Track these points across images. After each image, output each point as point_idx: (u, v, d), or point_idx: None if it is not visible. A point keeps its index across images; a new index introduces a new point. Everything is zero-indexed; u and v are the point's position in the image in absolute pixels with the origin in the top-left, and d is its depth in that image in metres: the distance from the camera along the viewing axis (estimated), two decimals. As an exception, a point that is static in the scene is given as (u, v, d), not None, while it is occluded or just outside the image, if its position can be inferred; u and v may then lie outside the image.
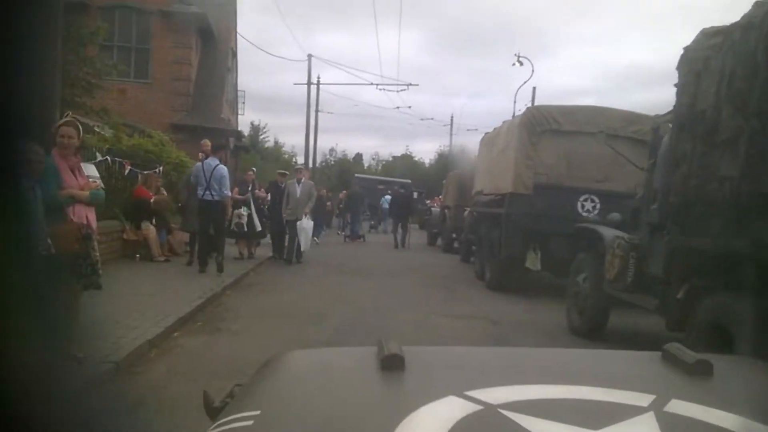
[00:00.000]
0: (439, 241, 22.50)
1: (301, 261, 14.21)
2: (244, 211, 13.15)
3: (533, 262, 10.37)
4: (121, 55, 25.19)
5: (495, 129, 13.42)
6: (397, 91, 31.49)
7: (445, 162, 50.89)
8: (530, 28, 69.81)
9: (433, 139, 77.21)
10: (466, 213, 15.58)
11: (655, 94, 57.00)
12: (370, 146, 72.28)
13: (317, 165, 52.61)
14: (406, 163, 55.60)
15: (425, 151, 72.47)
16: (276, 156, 56.92)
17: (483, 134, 14.66)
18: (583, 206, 10.33)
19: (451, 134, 48.02)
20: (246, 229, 13.18)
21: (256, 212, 13.50)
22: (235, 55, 33.17)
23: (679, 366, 1.35)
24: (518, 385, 1.22)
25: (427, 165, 56.39)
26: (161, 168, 13.65)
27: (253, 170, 16.82)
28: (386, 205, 29.10)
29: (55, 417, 1.54)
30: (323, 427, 1.08)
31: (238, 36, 33.32)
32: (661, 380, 1.32)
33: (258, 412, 1.12)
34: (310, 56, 31.44)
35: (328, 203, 26.31)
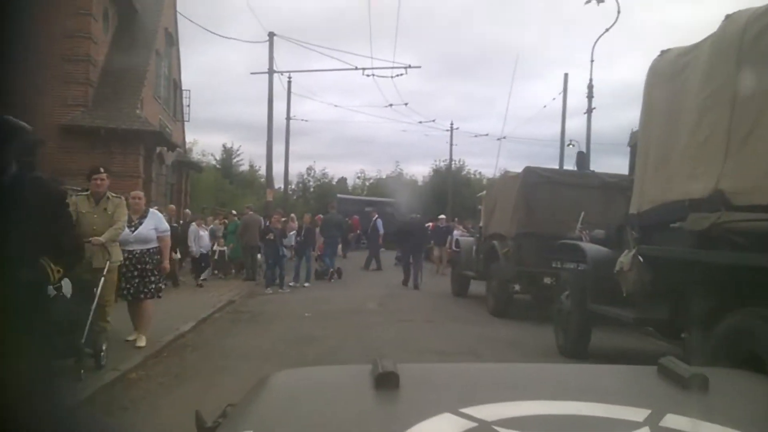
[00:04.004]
0: (469, 289, 13.57)
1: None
2: None
3: None
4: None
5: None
6: (392, 77, 22.29)
7: (441, 177, 42.07)
8: (521, 54, 62.16)
9: (426, 160, 66.83)
10: (628, 255, 5.97)
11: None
12: (356, 170, 63.19)
13: (292, 186, 43.74)
14: (396, 182, 46.25)
15: (417, 173, 63.30)
16: (250, 181, 48.61)
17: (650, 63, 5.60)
18: None
19: (451, 143, 39.00)
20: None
21: None
22: (174, 41, 24.15)
23: (674, 380, 1.28)
24: (513, 401, 1.17)
25: (420, 183, 47.19)
26: None
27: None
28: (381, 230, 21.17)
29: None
30: None
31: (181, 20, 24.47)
32: (656, 394, 1.25)
33: None
34: (272, 34, 22.28)
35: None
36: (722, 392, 1.27)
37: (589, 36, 70.51)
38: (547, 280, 9.81)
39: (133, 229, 6.83)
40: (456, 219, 23.87)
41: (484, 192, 14.21)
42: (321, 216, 17.23)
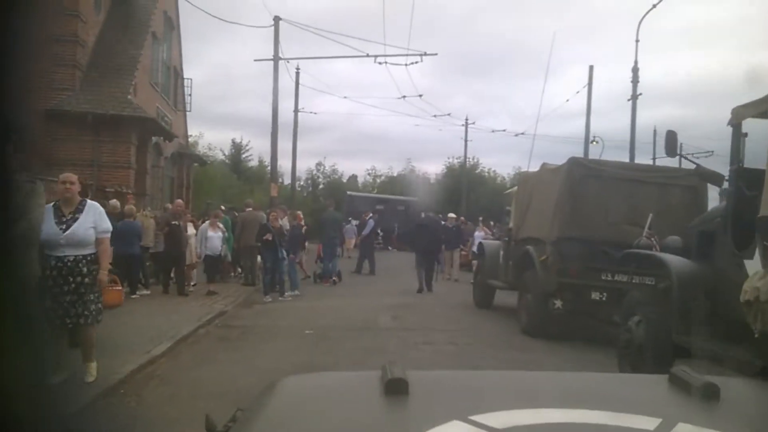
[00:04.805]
0: (498, 300, 11.86)
1: None
2: None
3: None
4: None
5: None
6: (406, 65, 20.62)
7: (455, 175, 40.28)
8: (534, 52, 59.47)
9: (439, 158, 64.37)
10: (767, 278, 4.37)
11: (661, 112, 46.67)
12: (366, 167, 60.28)
13: (301, 183, 42.15)
14: (408, 180, 44.44)
15: (430, 171, 60.07)
16: (259, 176, 46.97)
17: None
18: None
19: (466, 139, 37.27)
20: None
21: None
22: (174, 26, 22.56)
23: (685, 389, 1.24)
24: (523, 409, 1.13)
25: (432, 181, 45.33)
26: None
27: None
28: (367, 231, 19.08)
29: None
30: None
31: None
32: (667, 404, 1.22)
33: None
34: (277, 18, 20.63)
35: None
36: (733, 402, 1.22)
37: (608, 37, 68.84)
38: (596, 296, 8.12)
39: (63, 227, 5.10)
40: (476, 218, 21.98)
41: (515, 188, 12.48)
42: (300, 213, 15.22)
